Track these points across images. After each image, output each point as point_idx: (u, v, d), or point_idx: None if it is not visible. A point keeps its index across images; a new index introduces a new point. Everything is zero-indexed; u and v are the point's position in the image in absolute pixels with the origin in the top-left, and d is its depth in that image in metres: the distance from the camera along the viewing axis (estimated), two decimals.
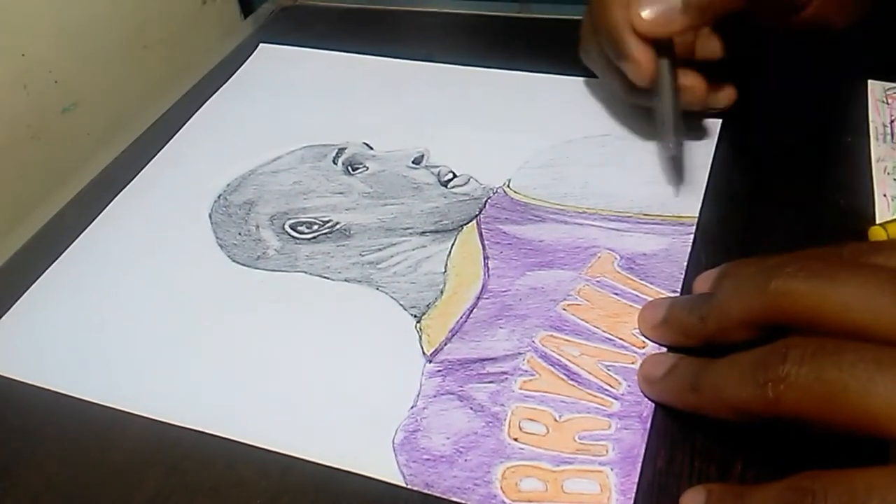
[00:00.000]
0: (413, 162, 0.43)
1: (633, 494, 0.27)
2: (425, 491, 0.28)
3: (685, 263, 0.35)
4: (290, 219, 0.40)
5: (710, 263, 0.35)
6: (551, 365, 0.32)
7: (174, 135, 0.47)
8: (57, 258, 0.40)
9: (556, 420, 0.30)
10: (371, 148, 0.44)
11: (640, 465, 0.28)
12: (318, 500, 0.29)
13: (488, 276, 0.36)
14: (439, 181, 0.41)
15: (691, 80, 0.40)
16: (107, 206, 0.42)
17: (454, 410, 0.31)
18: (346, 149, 0.44)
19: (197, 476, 0.30)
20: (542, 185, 0.40)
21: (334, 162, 0.44)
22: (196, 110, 0.49)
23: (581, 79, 0.47)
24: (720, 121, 0.43)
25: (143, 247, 0.40)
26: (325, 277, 0.37)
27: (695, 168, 0.40)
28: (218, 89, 0.50)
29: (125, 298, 0.37)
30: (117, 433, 0.32)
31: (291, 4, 0.60)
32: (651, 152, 0.41)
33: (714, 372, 0.26)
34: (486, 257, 0.37)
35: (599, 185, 0.40)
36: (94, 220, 0.42)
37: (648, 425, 0.29)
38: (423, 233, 0.39)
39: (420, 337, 0.34)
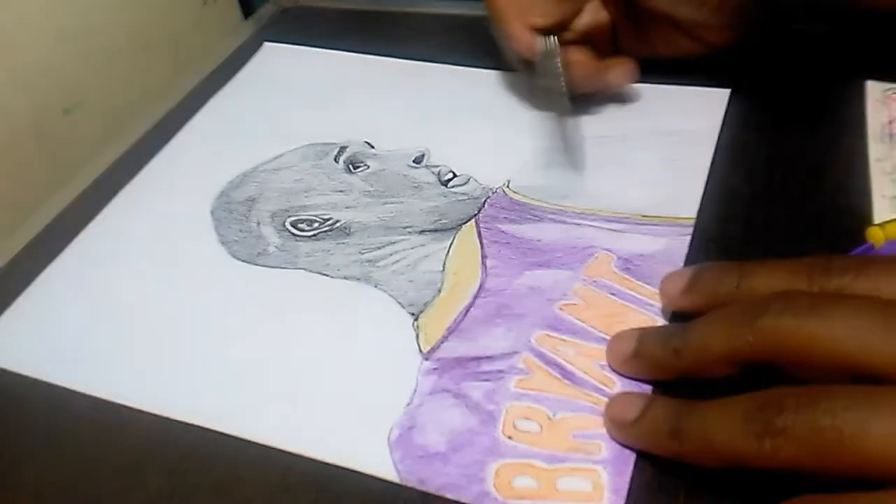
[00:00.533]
0: (413, 161, 0.43)
1: (626, 493, 0.28)
2: (419, 487, 0.29)
3: (682, 264, 0.35)
4: (290, 216, 0.41)
5: None
6: (546, 364, 0.32)
7: (176, 135, 0.47)
8: (57, 258, 0.40)
9: (550, 418, 0.30)
10: (372, 147, 0.45)
11: (632, 463, 0.28)
12: (318, 500, 0.29)
13: (486, 275, 0.36)
14: (439, 180, 0.42)
15: (577, 56, 0.41)
16: (107, 205, 0.43)
17: (449, 408, 0.31)
18: (347, 147, 0.45)
19: (198, 475, 0.30)
20: (542, 186, 0.40)
21: (336, 160, 0.44)
22: (197, 111, 0.49)
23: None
24: (720, 122, 0.43)
25: (144, 242, 0.40)
26: (324, 275, 0.37)
27: (693, 169, 0.40)
28: (219, 90, 0.51)
29: (126, 294, 0.38)
30: (118, 432, 0.32)
31: (292, 5, 0.60)
32: (650, 153, 0.41)
33: (699, 418, 0.26)
34: (484, 256, 0.37)
35: (598, 186, 0.40)
36: (95, 218, 0.42)
37: None
38: (422, 231, 0.39)
39: (417, 335, 0.34)
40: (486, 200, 0.40)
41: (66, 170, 0.47)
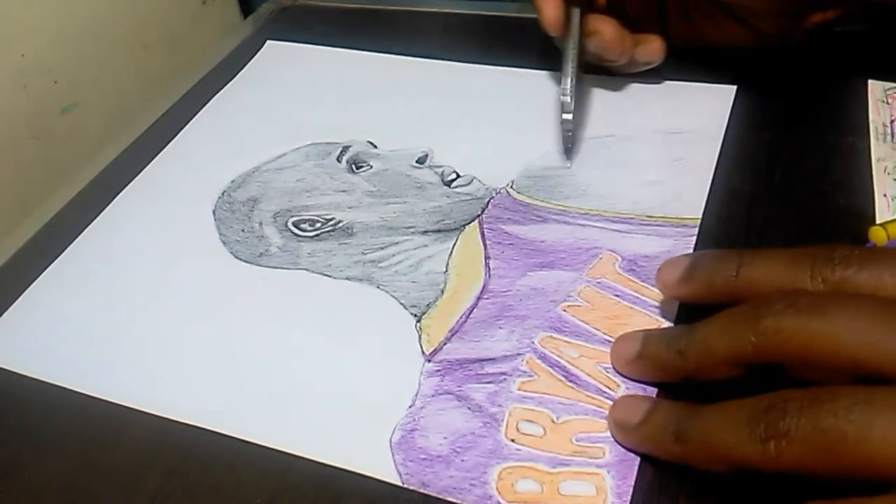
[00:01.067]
0: (417, 161, 0.43)
1: (629, 497, 0.27)
2: (421, 490, 0.28)
3: None
4: (293, 216, 0.41)
5: None
6: (550, 366, 0.32)
7: (174, 135, 0.47)
8: (58, 257, 0.40)
9: (553, 421, 0.30)
10: (375, 146, 0.44)
11: (636, 467, 0.28)
12: (318, 500, 0.29)
13: (489, 276, 0.36)
14: (442, 181, 0.41)
15: (598, 25, 0.40)
16: (107, 204, 0.43)
17: (452, 410, 0.31)
18: (350, 147, 0.45)
19: (197, 476, 0.30)
20: (545, 186, 0.40)
21: (338, 160, 0.44)
22: (196, 110, 0.49)
23: (586, 77, 0.47)
24: (725, 120, 0.42)
25: (146, 242, 0.40)
26: (326, 275, 0.37)
27: (698, 168, 0.40)
28: (218, 89, 0.51)
29: (128, 294, 0.37)
30: (118, 433, 0.32)
31: (291, 4, 0.60)
32: (655, 152, 0.41)
33: (703, 422, 0.25)
34: (487, 257, 0.37)
35: (602, 187, 0.40)
36: (95, 217, 0.42)
37: None
38: (425, 232, 0.39)
39: (420, 336, 0.34)
40: (489, 201, 0.40)
41: (64, 169, 0.47)
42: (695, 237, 0.36)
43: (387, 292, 0.36)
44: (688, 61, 0.44)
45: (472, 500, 0.28)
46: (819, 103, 0.43)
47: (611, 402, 0.30)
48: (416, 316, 0.35)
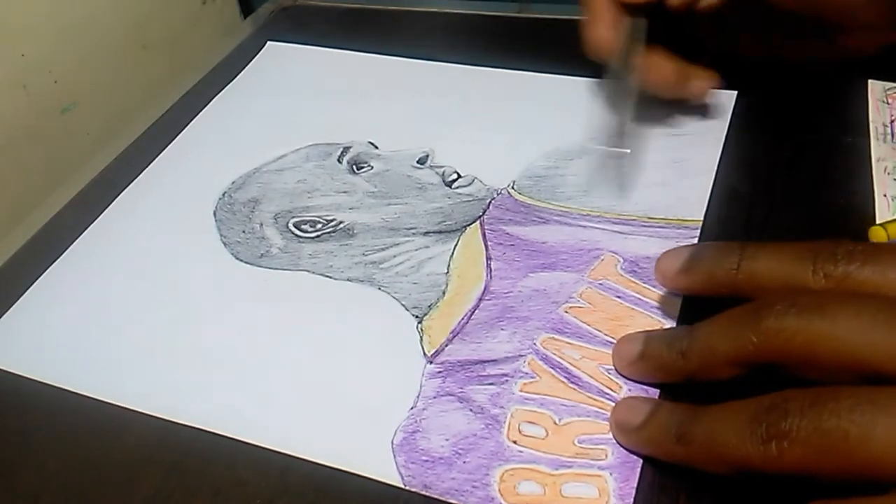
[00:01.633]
0: (418, 162, 0.43)
1: (632, 499, 0.27)
2: (423, 492, 0.28)
3: None
4: (293, 217, 0.40)
5: None
6: (552, 368, 0.32)
7: (174, 135, 0.47)
8: (57, 258, 0.40)
9: (555, 423, 0.30)
10: (376, 147, 0.44)
11: (639, 469, 0.28)
12: (317, 501, 0.29)
13: (490, 277, 0.36)
14: (443, 181, 0.41)
15: (658, 59, 0.38)
16: (107, 205, 0.43)
17: (454, 412, 0.31)
18: (351, 148, 0.44)
19: (197, 476, 0.30)
20: (547, 187, 0.40)
21: (339, 161, 0.44)
22: (196, 110, 0.49)
23: (588, 80, 0.47)
24: (726, 123, 0.42)
25: (146, 243, 0.40)
26: (327, 276, 0.37)
27: (700, 170, 0.40)
28: (218, 89, 0.51)
29: (128, 295, 0.37)
30: (117, 433, 0.32)
31: (291, 4, 0.60)
32: (658, 154, 0.41)
33: (704, 423, 0.25)
34: (488, 258, 0.37)
35: (604, 188, 0.40)
36: (95, 218, 0.42)
37: None
38: (426, 233, 0.39)
39: (421, 338, 0.34)
40: (490, 202, 0.40)
41: (64, 169, 0.46)
42: (696, 238, 0.36)
43: (388, 293, 0.36)
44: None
45: (474, 502, 0.28)
46: (819, 103, 0.43)
47: (613, 404, 0.30)
48: (417, 317, 0.35)
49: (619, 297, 0.34)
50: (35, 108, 0.47)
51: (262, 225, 0.40)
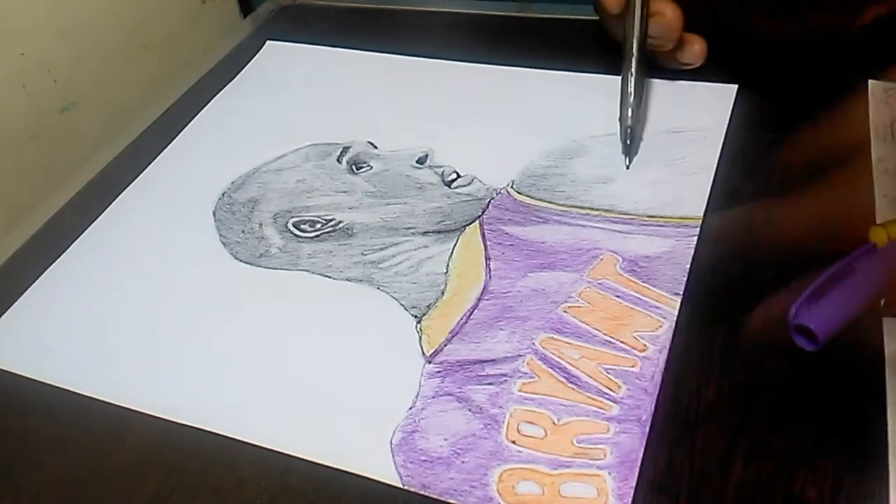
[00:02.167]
0: (417, 161, 0.43)
1: (630, 499, 0.27)
2: (422, 492, 0.28)
3: (688, 266, 0.35)
4: (293, 217, 0.40)
5: (712, 266, 0.35)
6: (551, 367, 0.32)
7: (173, 134, 0.47)
8: (57, 258, 0.40)
9: (554, 423, 0.30)
10: (375, 147, 0.44)
11: (637, 469, 0.28)
12: (318, 500, 0.29)
13: (489, 277, 0.36)
14: (443, 181, 0.41)
15: (659, 6, 0.39)
16: (107, 205, 0.43)
17: (452, 412, 0.31)
18: (350, 147, 0.44)
19: (197, 476, 0.30)
20: (546, 187, 0.40)
21: (338, 161, 0.44)
22: (195, 110, 0.49)
23: (586, 76, 0.47)
24: (727, 119, 0.42)
25: (146, 243, 0.40)
26: (326, 276, 0.37)
27: (699, 168, 0.40)
28: (218, 89, 0.51)
29: (128, 295, 0.37)
30: (118, 433, 0.32)
31: (291, 3, 0.60)
32: (657, 152, 0.41)
33: None
34: (487, 258, 0.37)
35: (603, 187, 0.40)
36: (95, 218, 0.42)
37: (647, 429, 0.29)
38: (425, 233, 0.39)
39: (420, 337, 0.34)
40: (490, 201, 0.40)
41: (63, 169, 0.46)
42: (696, 237, 0.36)
43: (387, 293, 0.36)
44: None
45: (473, 502, 0.28)
46: (819, 103, 0.43)
47: (612, 404, 0.30)
48: (416, 317, 0.35)
49: (618, 296, 0.34)
50: (35, 108, 0.47)
51: (261, 225, 0.40)
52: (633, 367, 0.31)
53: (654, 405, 0.30)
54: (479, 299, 0.35)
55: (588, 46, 0.50)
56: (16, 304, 0.38)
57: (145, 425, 0.32)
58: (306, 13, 0.59)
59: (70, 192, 0.44)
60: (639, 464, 0.28)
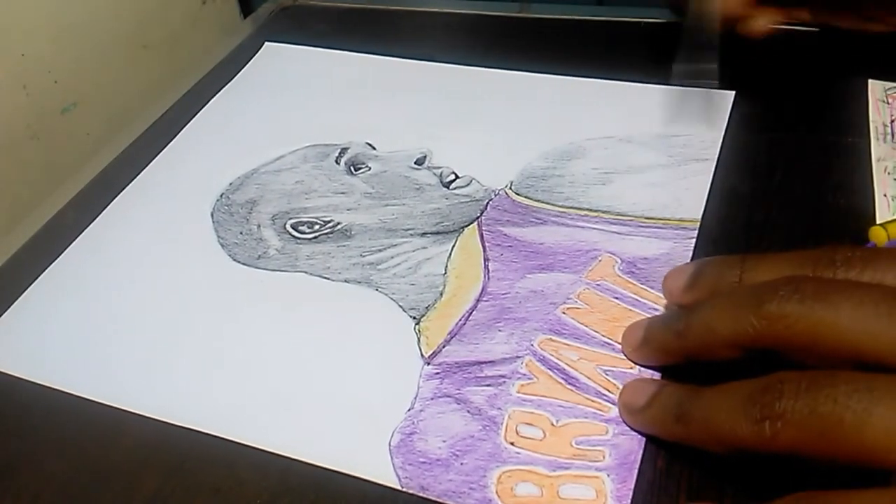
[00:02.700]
0: (415, 163, 0.43)
1: (629, 501, 0.27)
2: (420, 494, 0.28)
3: None
4: (291, 218, 0.40)
5: None
6: (549, 369, 0.32)
7: (174, 135, 0.47)
8: (57, 258, 0.40)
9: (553, 424, 0.30)
10: (374, 148, 0.44)
11: (636, 471, 0.28)
12: (317, 501, 0.29)
13: (488, 278, 0.36)
14: (441, 182, 0.41)
15: None
16: (107, 205, 0.43)
17: (451, 413, 0.31)
18: (348, 149, 0.44)
19: (197, 477, 0.30)
20: (545, 188, 0.40)
21: (337, 162, 0.44)
22: (196, 110, 0.49)
23: (585, 80, 0.47)
24: (724, 123, 0.42)
25: (144, 245, 0.40)
26: (325, 278, 0.37)
27: (698, 171, 0.40)
28: (218, 89, 0.51)
29: (126, 297, 0.37)
30: (117, 433, 0.32)
31: (291, 4, 0.60)
32: (655, 155, 0.41)
33: (703, 403, 0.26)
34: (486, 259, 0.37)
35: (602, 188, 0.40)
36: (94, 218, 0.42)
37: None
38: (423, 234, 0.39)
39: (419, 339, 0.34)
40: (488, 203, 0.40)
41: (63, 169, 0.46)
42: (694, 239, 0.36)
43: (385, 294, 0.36)
44: None
45: (472, 503, 0.28)
46: (819, 103, 0.43)
47: (610, 405, 0.30)
48: (414, 318, 0.35)
49: (616, 298, 0.34)
50: (35, 108, 0.47)
51: (259, 226, 0.40)
52: (631, 368, 0.31)
53: None
54: (478, 301, 0.35)
55: (588, 47, 0.50)
56: (14, 305, 0.38)
57: (144, 426, 0.32)
58: (307, 14, 0.59)
59: (70, 192, 0.44)
60: (637, 465, 0.28)
